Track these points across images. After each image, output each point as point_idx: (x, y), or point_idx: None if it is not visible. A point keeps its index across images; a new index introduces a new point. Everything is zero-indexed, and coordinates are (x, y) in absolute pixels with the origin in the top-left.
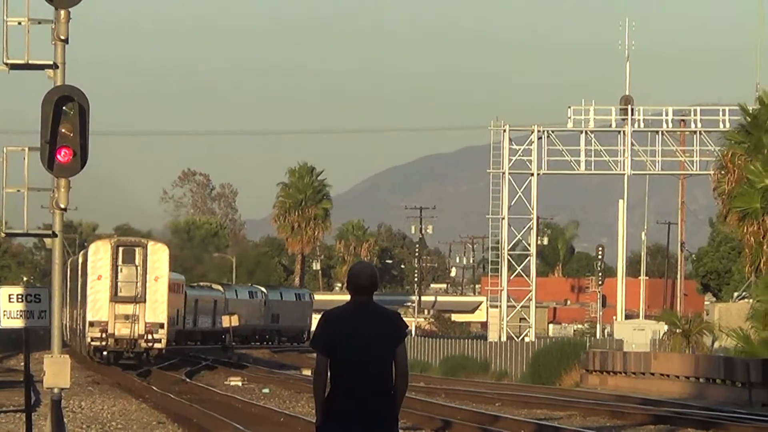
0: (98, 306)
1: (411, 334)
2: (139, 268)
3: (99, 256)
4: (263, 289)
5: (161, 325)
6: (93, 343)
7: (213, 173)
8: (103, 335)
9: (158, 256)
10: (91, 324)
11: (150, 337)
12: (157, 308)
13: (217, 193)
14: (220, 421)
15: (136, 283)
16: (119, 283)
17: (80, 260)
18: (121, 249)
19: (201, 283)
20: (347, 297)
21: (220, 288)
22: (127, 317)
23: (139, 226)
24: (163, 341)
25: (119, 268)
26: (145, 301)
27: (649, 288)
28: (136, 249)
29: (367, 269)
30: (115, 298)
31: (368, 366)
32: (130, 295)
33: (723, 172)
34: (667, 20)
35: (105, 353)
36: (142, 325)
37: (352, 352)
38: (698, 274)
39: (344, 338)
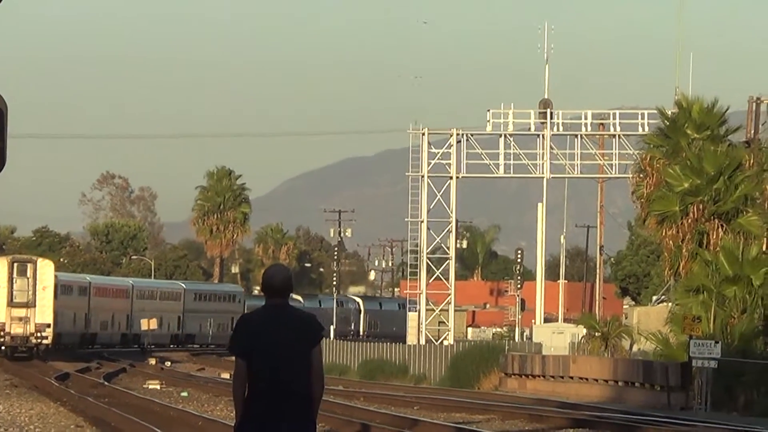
0: None
1: (329, 337)
2: (30, 279)
3: None
4: (358, 299)
5: (48, 325)
6: None
7: (132, 176)
8: (1, 333)
9: (45, 270)
10: None
11: (39, 334)
12: (44, 312)
13: (136, 196)
14: (138, 425)
15: (28, 291)
16: (14, 292)
17: None
18: (15, 264)
19: None
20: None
21: (299, 299)
22: (20, 319)
23: (58, 229)
24: (50, 338)
25: (14, 279)
26: (35, 306)
27: (568, 291)
28: (28, 264)
29: (282, 272)
30: (11, 303)
31: (284, 368)
32: (23, 301)
33: (642, 175)
34: (586, 24)
35: (2, 348)
36: (32, 325)
37: (268, 355)
38: (617, 277)
39: (260, 341)
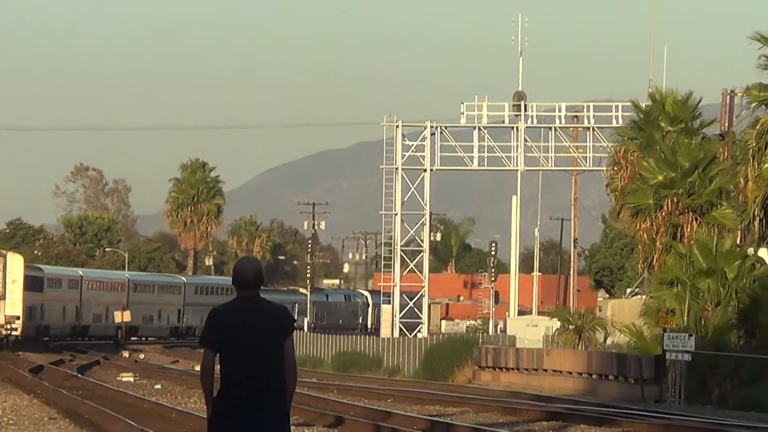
0: None
1: (303, 330)
2: (0, 272)
3: None
4: (366, 293)
5: (17, 317)
6: None
7: (106, 169)
8: None
9: (15, 263)
10: None
11: (9, 326)
12: (14, 304)
13: (110, 188)
14: (112, 417)
15: None
16: None
17: None
18: None
19: (288, 287)
20: None
21: (304, 291)
22: None
23: (32, 221)
24: (20, 329)
25: None
26: (5, 299)
27: (542, 284)
28: None
29: (252, 264)
30: None
31: (257, 361)
32: None
33: (616, 168)
34: (560, 17)
35: None
36: (2, 316)
37: (240, 348)
38: (591, 270)
39: (232, 334)
